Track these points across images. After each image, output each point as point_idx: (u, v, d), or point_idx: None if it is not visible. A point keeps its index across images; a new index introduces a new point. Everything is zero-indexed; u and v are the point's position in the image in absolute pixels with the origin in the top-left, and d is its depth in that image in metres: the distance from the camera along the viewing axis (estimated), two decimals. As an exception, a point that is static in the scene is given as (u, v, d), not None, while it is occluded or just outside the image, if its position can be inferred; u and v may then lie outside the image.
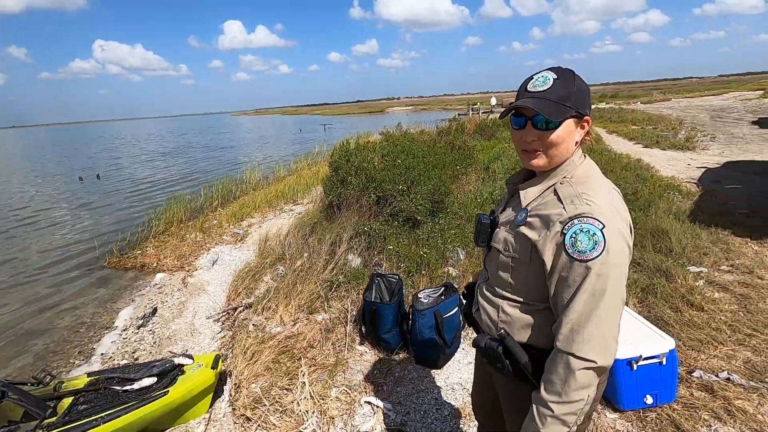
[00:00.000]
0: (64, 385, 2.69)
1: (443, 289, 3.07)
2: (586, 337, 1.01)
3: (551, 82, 1.10)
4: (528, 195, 1.21)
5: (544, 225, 1.10)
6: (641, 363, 2.23)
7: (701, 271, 3.92)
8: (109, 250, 6.49)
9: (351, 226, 4.54)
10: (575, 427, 1.13)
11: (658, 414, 2.31)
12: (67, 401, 2.58)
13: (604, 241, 0.99)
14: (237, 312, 3.79)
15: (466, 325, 3.02)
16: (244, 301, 3.93)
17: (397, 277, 3.26)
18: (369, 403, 2.65)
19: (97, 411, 2.41)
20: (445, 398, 2.66)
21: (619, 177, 7.28)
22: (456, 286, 3.07)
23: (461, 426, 2.44)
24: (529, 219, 1.15)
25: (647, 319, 2.90)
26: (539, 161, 1.16)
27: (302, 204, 8.39)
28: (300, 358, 2.98)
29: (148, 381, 2.60)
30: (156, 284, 5.14)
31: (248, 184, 11.03)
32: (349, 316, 3.37)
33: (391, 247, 4.32)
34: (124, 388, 2.58)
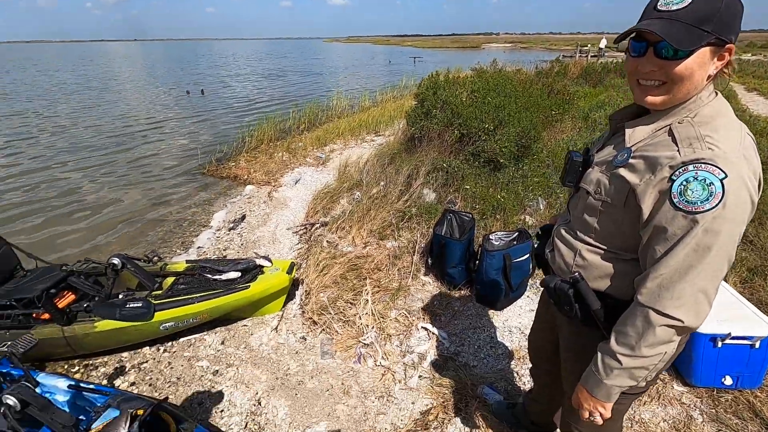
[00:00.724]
0: (168, 266, 3.16)
1: (517, 234, 2.97)
2: (676, 294, 0.92)
3: None
4: (635, 134, 1.06)
5: (648, 168, 0.97)
6: (728, 342, 2.02)
7: (832, 260, 3.33)
8: (208, 160, 7.14)
9: (430, 161, 4.47)
10: (644, 383, 1.08)
11: (735, 397, 2.13)
12: (170, 280, 3.03)
13: (723, 193, 0.85)
14: (313, 228, 4.05)
15: (536, 269, 2.95)
16: (320, 219, 4.17)
17: (471, 216, 3.21)
18: (425, 329, 2.77)
19: (192, 292, 2.81)
20: (500, 338, 2.69)
21: (750, 142, 6.18)
22: (530, 234, 2.95)
23: (513, 366, 2.47)
24: (631, 160, 1.02)
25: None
26: (656, 98, 0.99)
27: (383, 136, 8.39)
28: (366, 278, 3.15)
29: (233, 275, 2.94)
30: (246, 194, 5.62)
31: (334, 111, 11.20)
32: (417, 247, 3.44)
33: (468, 187, 4.21)
34: (214, 277, 2.95)
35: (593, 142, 1.33)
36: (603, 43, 27.87)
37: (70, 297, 2.75)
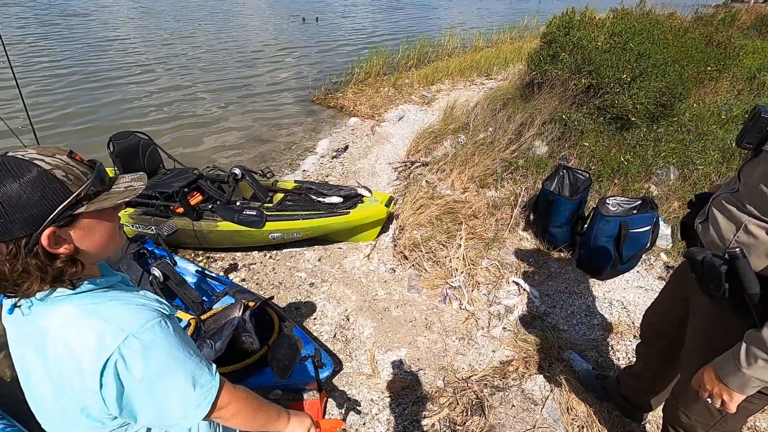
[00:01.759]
0: (278, 183, 3.41)
1: (639, 202, 2.66)
2: None
3: None
4: None
5: None
6: None
7: None
8: (318, 88, 7.35)
9: (547, 111, 4.09)
10: None
11: None
12: (279, 196, 3.28)
13: None
14: (413, 166, 4.03)
15: (654, 244, 2.63)
16: (421, 159, 4.13)
17: (588, 175, 2.93)
18: (517, 283, 2.69)
19: (298, 209, 3.02)
20: (598, 308, 2.52)
21: None
22: (656, 204, 2.61)
23: (608, 339, 2.32)
24: None
25: None
26: None
27: (495, 79, 7.84)
28: (461, 223, 3.10)
29: (335, 199, 3.08)
30: (350, 126, 5.74)
31: (444, 49, 10.63)
32: (519, 200, 3.26)
33: (586, 144, 3.81)
34: (318, 199, 3.12)
35: None
36: None
37: (199, 197, 3.13)
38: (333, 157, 4.74)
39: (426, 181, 3.62)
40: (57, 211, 0.66)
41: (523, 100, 4.78)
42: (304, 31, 14.04)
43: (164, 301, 0.84)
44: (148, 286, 2.09)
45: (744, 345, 0.94)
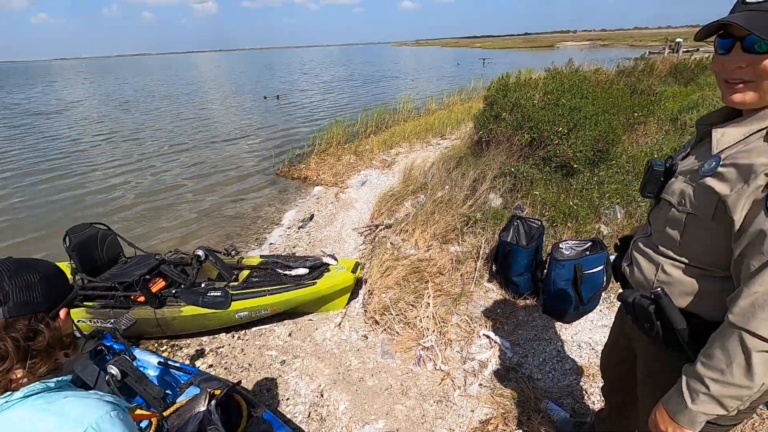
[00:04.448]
0: (243, 260, 3.39)
1: (590, 244, 2.81)
2: None
3: None
4: (724, 139, 0.99)
5: (741, 177, 0.89)
6: None
7: None
8: (281, 161, 7.56)
9: (497, 165, 4.36)
10: (735, 412, 0.98)
11: None
12: (245, 272, 3.26)
13: None
14: (378, 229, 4.13)
15: (612, 281, 2.75)
16: (385, 221, 4.24)
17: (540, 222, 3.09)
18: (488, 336, 2.71)
19: (265, 285, 3.00)
20: (568, 353, 2.55)
21: None
22: (605, 244, 2.77)
23: (581, 383, 2.34)
24: (720, 169, 0.95)
25: None
26: (746, 96, 0.93)
27: (449, 139, 8.32)
28: (428, 281, 3.15)
29: (302, 271, 3.09)
30: (314, 195, 5.87)
31: (400, 114, 11.30)
32: (481, 253, 3.37)
33: (537, 193, 4.05)
34: (284, 272, 3.12)
35: (678, 150, 1.25)
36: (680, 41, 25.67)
37: (161, 283, 3.06)
38: (299, 228, 4.80)
39: (390, 242, 3.70)
40: (72, 293, 0.84)
41: (474, 157, 5.08)
42: (266, 109, 14.64)
43: (118, 396, 0.84)
44: (104, 386, 1.99)
45: (684, 380, 0.98)
